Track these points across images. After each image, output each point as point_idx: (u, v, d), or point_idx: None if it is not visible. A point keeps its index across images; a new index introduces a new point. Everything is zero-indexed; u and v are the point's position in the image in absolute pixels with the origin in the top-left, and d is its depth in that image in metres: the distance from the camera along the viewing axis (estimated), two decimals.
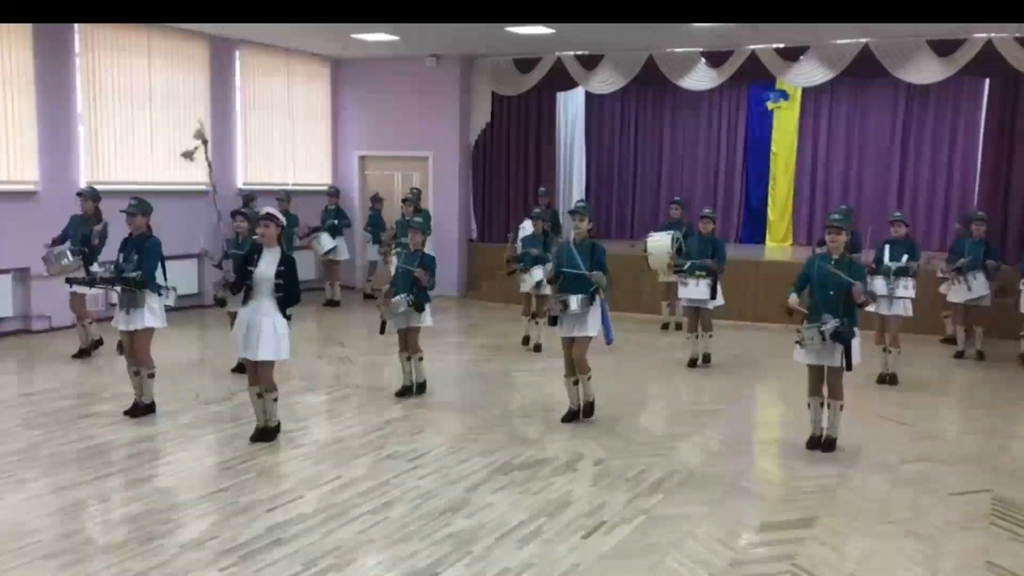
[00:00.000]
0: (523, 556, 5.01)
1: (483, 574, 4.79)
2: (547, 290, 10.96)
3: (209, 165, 8.09)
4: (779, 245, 16.39)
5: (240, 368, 9.16)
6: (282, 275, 6.75)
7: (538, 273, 10.74)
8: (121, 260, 7.67)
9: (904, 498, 6.10)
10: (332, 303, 14.05)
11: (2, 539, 5.10)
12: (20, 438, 7.01)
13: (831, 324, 6.72)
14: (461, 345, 11.77)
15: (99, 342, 10.01)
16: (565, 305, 7.51)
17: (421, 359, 8.64)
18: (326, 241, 14.00)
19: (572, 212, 7.86)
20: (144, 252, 7.59)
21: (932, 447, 7.27)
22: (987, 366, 10.55)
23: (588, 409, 7.82)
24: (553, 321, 7.71)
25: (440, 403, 8.50)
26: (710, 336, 10.19)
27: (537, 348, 10.91)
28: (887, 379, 9.35)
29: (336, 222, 14.17)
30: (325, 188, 14.86)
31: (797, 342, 6.94)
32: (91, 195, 9.82)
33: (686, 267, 10.07)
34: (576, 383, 7.77)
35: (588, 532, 5.37)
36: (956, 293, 10.65)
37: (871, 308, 9.50)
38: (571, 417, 7.79)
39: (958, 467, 6.78)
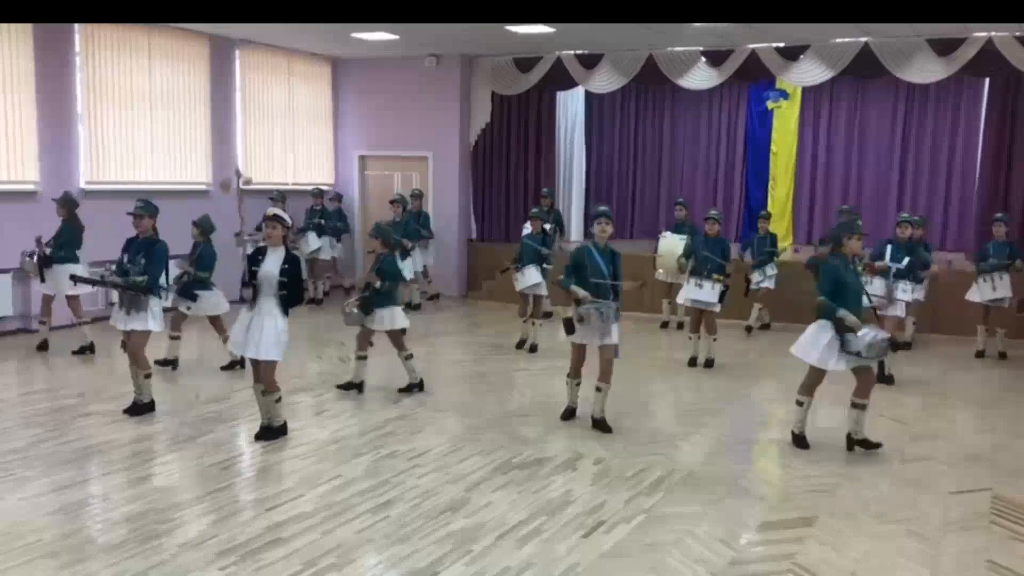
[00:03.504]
0: (523, 555, 5.01)
1: (483, 573, 4.79)
2: (543, 290, 10.98)
3: (241, 191, 8.27)
4: (779, 245, 16.37)
5: (230, 365, 9.18)
6: (286, 274, 6.77)
7: (531, 272, 10.72)
8: (125, 261, 7.67)
9: (904, 498, 6.10)
10: (315, 301, 14.12)
11: (2, 538, 5.09)
12: (20, 437, 7.01)
13: (883, 335, 6.81)
14: (461, 345, 11.76)
15: (47, 343, 10.21)
16: (604, 315, 7.21)
17: (408, 357, 8.63)
18: (312, 241, 14.07)
19: (598, 215, 7.56)
20: (151, 257, 7.60)
21: (932, 447, 7.26)
22: (987, 366, 10.56)
23: (603, 423, 7.50)
24: (571, 329, 7.37)
25: (440, 403, 8.49)
26: (714, 339, 10.16)
27: (533, 349, 10.88)
28: (884, 380, 9.34)
29: (322, 222, 14.23)
30: (311, 189, 14.82)
31: (857, 351, 6.73)
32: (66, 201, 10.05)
33: (692, 268, 10.03)
34: (579, 384, 7.73)
35: (588, 531, 5.37)
36: (976, 292, 10.66)
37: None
38: (570, 415, 7.78)
39: (958, 467, 6.78)
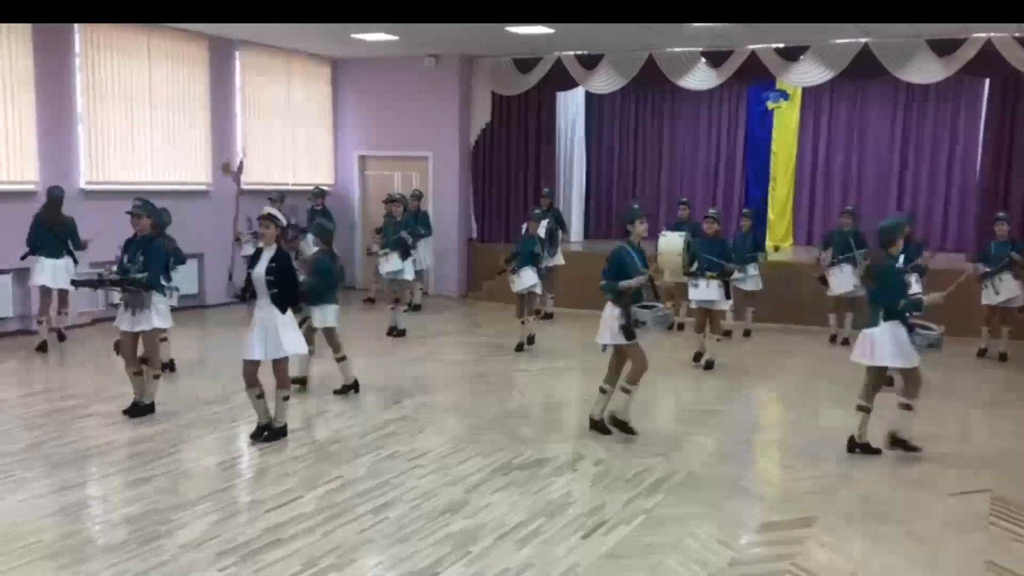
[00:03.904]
0: (522, 556, 5.01)
1: (482, 574, 4.79)
2: (538, 288, 10.97)
3: (237, 183, 8.33)
4: (779, 245, 16.38)
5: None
6: (272, 272, 6.76)
7: (528, 274, 10.70)
8: (125, 260, 7.68)
9: (904, 498, 6.10)
10: None
11: (2, 539, 5.10)
12: (20, 438, 7.01)
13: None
14: (461, 345, 11.77)
15: (45, 344, 10.26)
16: (661, 320, 7.13)
17: (309, 353, 8.38)
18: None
19: (641, 214, 7.39)
20: (149, 253, 7.61)
21: (932, 447, 7.25)
22: (988, 367, 10.55)
23: (625, 426, 7.30)
24: (632, 334, 7.08)
25: (440, 403, 8.50)
26: (718, 339, 10.14)
27: (531, 341, 10.90)
28: (885, 380, 9.32)
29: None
30: (312, 189, 14.76)
31: (929, 344, 6.86)
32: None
33: (694, 268, 10.05)
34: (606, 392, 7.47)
35: (588, 532, 5.37)
36: (986, 296, 10.64)
37: None
38: (630, 430, 7.42)
39: (958, 467, 6.78)
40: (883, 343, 6.79)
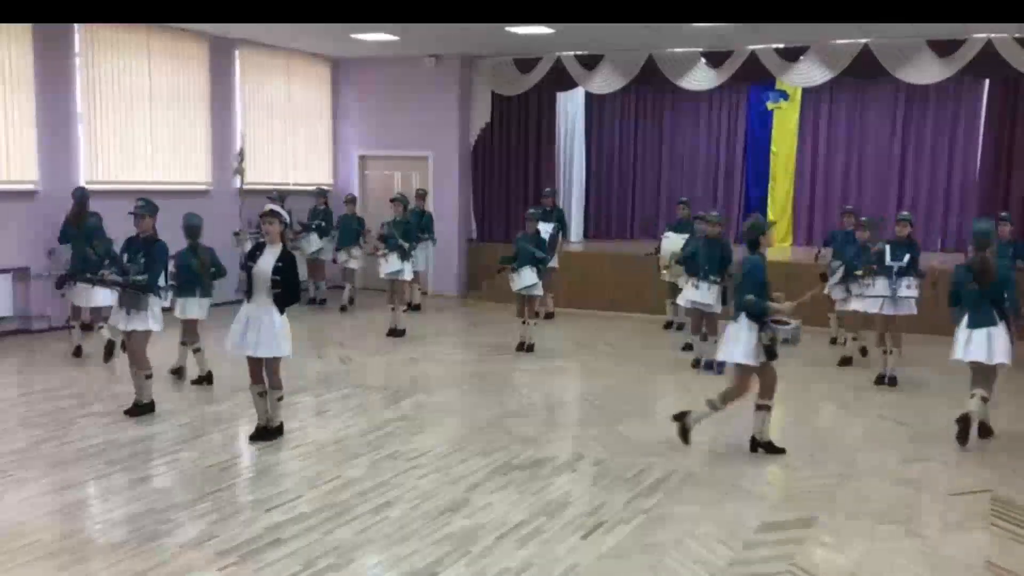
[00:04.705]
0: (523, 556, 5.01)
1: (482, 574, 4.79)
2: (539, 290, 10.94)
3: (241, 177, 8.32)
4: (779, 245, 16.36)
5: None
6: (279, 271, 6.75)
7: (527, 274, 10.66)
8: (126, 260, 7.68)
9: (904, 498, 6.10)
10: (316, 301, 14.10)
11: (2, 539, 5.10)
12: (20, 438, 7.01)
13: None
14: (461, 345, 11.76)
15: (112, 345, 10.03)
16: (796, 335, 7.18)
17: (196, 350, 8.78)
18: (314, 241, 14.02)
19: (767, 227, 7.10)
20: (152, 256, 7.60)
21: (932, 447, 7.26)
22: None
23: (771, 446, 7.04)
24: (774, 353, 6.75)
25: (440, 403, 8.50)
26: (715, 341, 10.13)
27: (530, 348, 10.88)
28: (886, 380, 9.33)
29: (323, 223, 14.18)
30: (313, 189, 14.78)
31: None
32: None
33: (689, 268, 10.04)
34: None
35: (587, 532, 5.37)
36: None
37: (874, 309, 9.50)
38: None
39: (958, 467, 6.79)
40: (1002, 342, 7.09)
